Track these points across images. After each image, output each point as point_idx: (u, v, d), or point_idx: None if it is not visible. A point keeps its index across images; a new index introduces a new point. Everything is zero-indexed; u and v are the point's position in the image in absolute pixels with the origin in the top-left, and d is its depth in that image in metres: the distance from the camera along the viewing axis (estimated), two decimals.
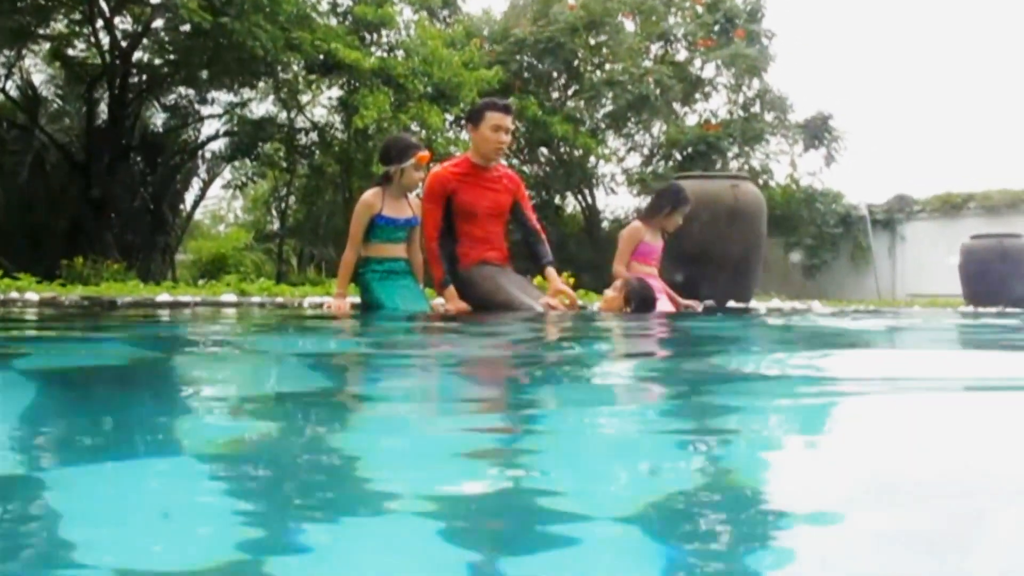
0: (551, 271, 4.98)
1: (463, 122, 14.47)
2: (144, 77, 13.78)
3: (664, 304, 5.59)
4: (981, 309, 10.18)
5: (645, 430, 1.29)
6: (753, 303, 8.08)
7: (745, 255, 7.79)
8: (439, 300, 5.16)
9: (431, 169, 5.22)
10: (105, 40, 12.75)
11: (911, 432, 1.23)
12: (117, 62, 12.68)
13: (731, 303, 7.33)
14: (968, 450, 1.11)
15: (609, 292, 5.03)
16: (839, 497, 0.84)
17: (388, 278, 4.85)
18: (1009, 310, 9.80)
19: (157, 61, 13.68)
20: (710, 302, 6.33)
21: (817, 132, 16.42)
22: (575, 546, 0.70)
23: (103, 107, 13.90)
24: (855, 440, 1.19)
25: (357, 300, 5.13)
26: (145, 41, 12.90)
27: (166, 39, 12.93)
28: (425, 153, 4.91)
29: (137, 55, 13.06)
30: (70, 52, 13.75)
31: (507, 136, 4.94)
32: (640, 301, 4.87)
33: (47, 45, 13.52)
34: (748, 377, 1.96)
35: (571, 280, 12.78)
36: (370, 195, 4.85)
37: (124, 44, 12.70)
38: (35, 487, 0.86)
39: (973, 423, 1.31)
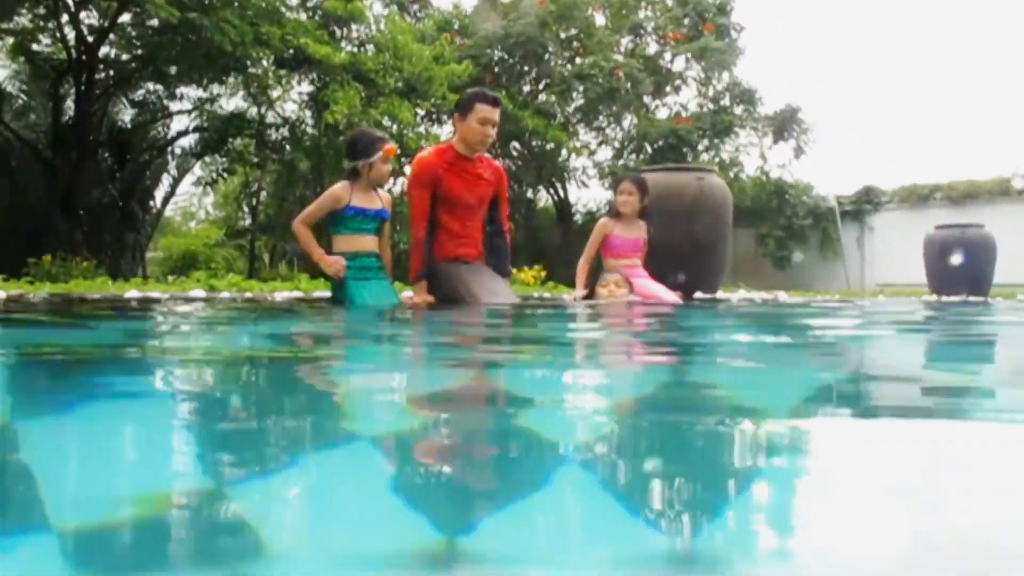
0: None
1: (437, 116, 14.50)
2: (111, 72, 13.60)
3: (661, 290, 5.85)
4: (944, 298, 10.37)
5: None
6: (720, 294, 8.18)
7: (711, 247, 7.89)
8: (408, 293, 5.18)
9: (418, 154, 5.18)
10: (71, 35, 12.58)
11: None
12: (83, 57, 12.52)
13: (698, 294, 7.43)
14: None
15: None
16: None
17: (361, 275, 4.82)
18: (971, 298, 10.00)
19: (124, 56, 13.51)
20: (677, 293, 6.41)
21: (786, 124, 16.59)
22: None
23: (70, 103, 13.71)
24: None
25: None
26: (112, 36, 12.72)
27: (133, 34, 12.78)
28: (392, 146, 4.89)
29: (104, 50, 12.87)
30: (35, 47, 13.52)
31: (493, 129, 4.91)
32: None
33: (11, 40, 13.30)
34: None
35: (543, 273, 12.88)
36: (338, 188, 4.81)
37: (90, 39, 12.53)
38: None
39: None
